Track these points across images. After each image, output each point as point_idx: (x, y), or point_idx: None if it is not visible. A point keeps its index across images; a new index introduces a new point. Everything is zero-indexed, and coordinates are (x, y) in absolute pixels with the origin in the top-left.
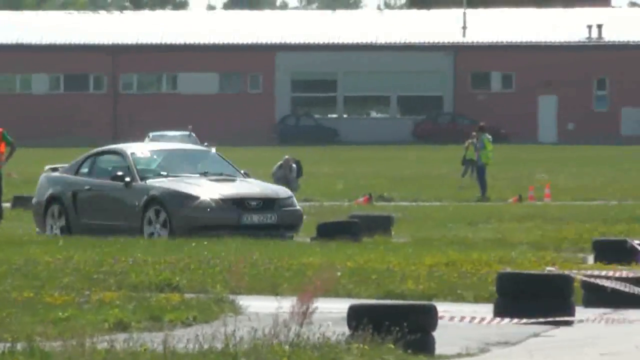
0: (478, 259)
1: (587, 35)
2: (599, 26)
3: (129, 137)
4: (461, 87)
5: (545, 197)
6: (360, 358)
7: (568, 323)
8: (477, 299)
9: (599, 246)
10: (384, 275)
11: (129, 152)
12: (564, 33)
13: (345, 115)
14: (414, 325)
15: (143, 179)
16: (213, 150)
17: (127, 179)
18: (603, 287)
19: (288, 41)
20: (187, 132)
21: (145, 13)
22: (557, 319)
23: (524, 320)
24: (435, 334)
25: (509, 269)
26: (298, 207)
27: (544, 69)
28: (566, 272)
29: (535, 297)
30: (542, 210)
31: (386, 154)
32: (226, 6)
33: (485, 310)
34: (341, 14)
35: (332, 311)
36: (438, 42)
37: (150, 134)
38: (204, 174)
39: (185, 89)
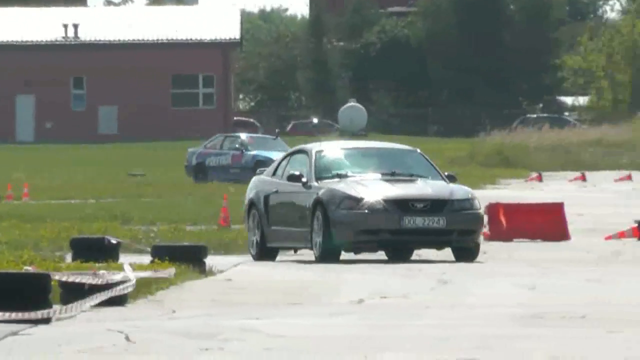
0: None
1: (64, 35)
2: (75, 25)
3: None
4: None
5: (23, 196)
6: None
7: (46, 322)
8: None
9: (77, 244)
10: None
11: (313, 150)
12: (40, 32)
13: None
14: None
15: (319, 179)
16: (418, 150)
17: (304, 180)
18: (81, 286)
19: None
20: (274, 137)
21: None
22: (34, 317)
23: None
24: None
25: None
26: (478, 211)
27: (21, 68)
28: (44, 271)
29: (13, 296)
30: (20, 209)
31: None
32: None
33: None
34: None
35: None
36: None
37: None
38: (391, 174)
39: None
